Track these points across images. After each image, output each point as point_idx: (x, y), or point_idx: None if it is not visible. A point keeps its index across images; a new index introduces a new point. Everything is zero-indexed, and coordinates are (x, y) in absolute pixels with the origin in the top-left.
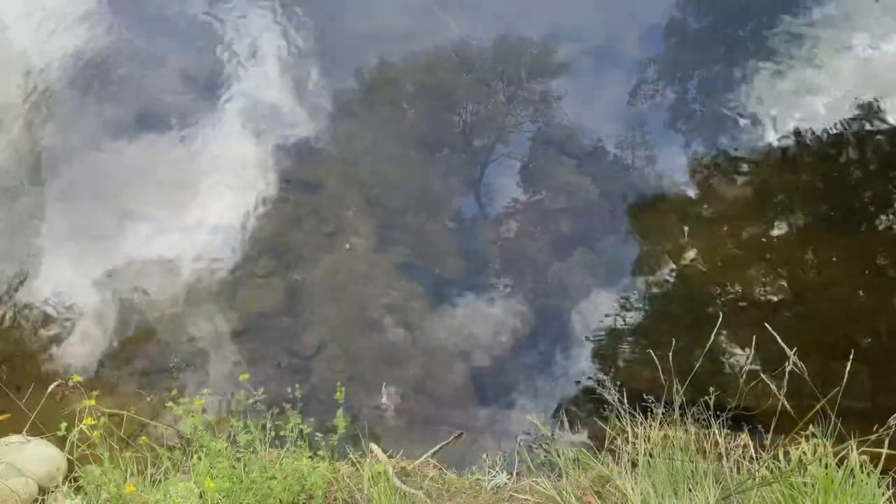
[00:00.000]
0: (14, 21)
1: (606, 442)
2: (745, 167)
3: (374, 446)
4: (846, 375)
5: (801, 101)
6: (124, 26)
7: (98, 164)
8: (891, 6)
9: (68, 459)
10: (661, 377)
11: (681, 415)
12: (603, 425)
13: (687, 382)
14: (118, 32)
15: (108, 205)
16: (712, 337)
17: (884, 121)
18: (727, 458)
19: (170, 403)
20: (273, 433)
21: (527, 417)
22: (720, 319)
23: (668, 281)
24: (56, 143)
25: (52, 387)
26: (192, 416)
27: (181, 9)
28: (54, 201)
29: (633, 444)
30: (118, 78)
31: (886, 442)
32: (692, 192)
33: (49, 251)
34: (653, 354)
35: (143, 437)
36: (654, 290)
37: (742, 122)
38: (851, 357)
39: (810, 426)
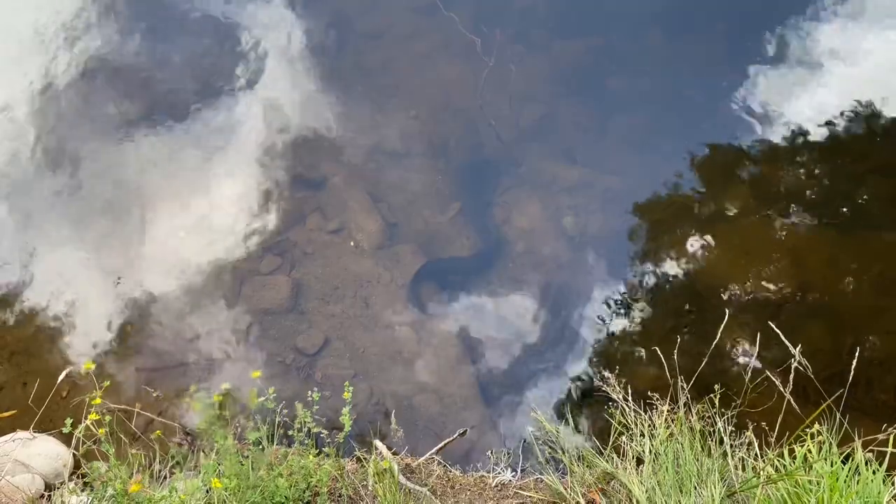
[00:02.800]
0: (20, 15)
1: (611, 439)
2: (748, 164)
3: (378, 443)
4: (851, 373)
5: (805, 97)
6: (131, 20)
7: (104, 160)
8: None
9: (74, 455)
10: (667, 375)
11: (686, 412)
12: (608, 423)
13: (692, 381)
14: (125, 26)
15: (113, 201)
16: (726, 338)
17: (889, 118)
18: (732, 455)
19: (188, 398)
20: (281, 430)
21: (531, 414)
22: (734, 323)
23: (672, 278)
24: (62, 138)
25: (62, 375)
26: (207, 412)
27: (188, 4)
28: (61, 197)
29: (638, 441)
30: (123, 73)
31: (892, 439)
32: (696, 189)
33: (55, 248)
34: (658, 352)
35: (158, 432)
36: (659, 287)
37: (746, 118)
38: (857, 355)
39: (816, 424)
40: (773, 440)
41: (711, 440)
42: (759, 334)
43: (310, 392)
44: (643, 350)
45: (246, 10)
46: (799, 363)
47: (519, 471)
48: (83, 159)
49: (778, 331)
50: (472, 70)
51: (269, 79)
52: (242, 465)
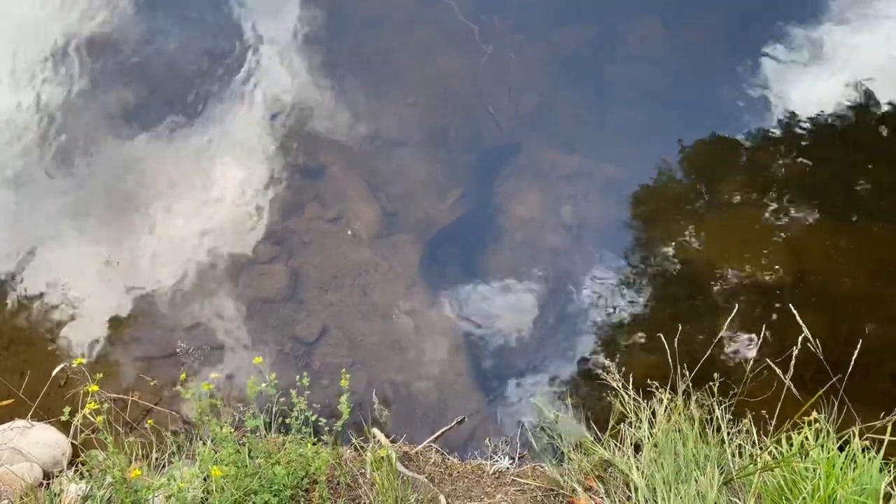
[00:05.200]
0: (21, 3)
1: (609, 427)
2: (747, 153)
3: (376, 431)
4: (852, 361)
5: (804, 86)
6: (126, 7)
7: (101, 150)
8: None
9: (73, 444)
10: (665, 362)
11: (684, 400)
12: (606, 410)
13: (692, 369)
14: (120, 14)
15: (112, 190)
16: (724, 327)
17: (886, 107)
18: (730, 443)
19: (178, 387)
20: (280, 419)
21: (530, 401)
22: (735, 310)
23: (671, 266)
24: (62, 127)
25: (56, 370)
26: (199, 401)
27: None
28: (59, 187)
29: (637, 428)
30: (119, 60)
31: (889, 428)
32: (695, 178)
33: (53, 236)
34: (657, 339)
35: (150, 421)
36: (658, 275)
37: (745, 107)
38: (859, 344)
39: (813, 412)
40: (770, 428)
41: (710, 428)
42: (757, 322)
43: (298, 377)
44: (641, 338)
45: None
46: (806, 346)
47: (517, 458)
48: (80, 149)
49: (795, 311)
50: (471, 58)
51: (267, 67)
52: (239, 453)
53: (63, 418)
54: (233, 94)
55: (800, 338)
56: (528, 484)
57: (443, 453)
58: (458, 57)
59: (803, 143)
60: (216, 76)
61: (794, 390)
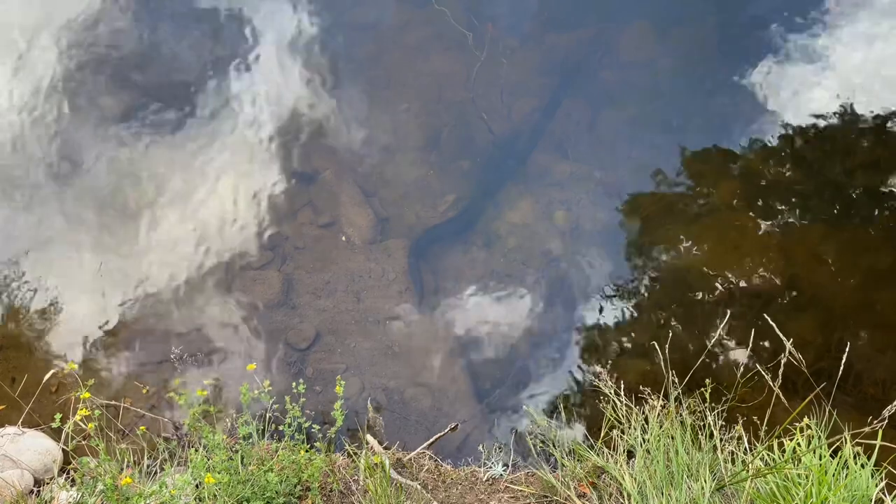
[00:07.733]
0: (18, 4)
1: (602, 433)
2: (739, 159)
3: (370, 438)
4: (841, 367)
5: (796, 94)
6: (121, 9)
7: (92, 154)
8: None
9: (64, 451)
10: (658, 369)
11: (676, 406)
12: (599, 417)
13: (684, 375)
14: (114, 16)
15: (106, 195)
16: (718, 332)
17: (877, 114)
18: (722, 449)
19: (171, 393)
20: (273, 426)
21: (523, 408)
22: (727, 316)
23: (663, 272)
24: (55, 132)
25: (48, 375)
26: (192, 407)
27: None
28: (53, 191)
29: (630, 435)
30: (112, 64)
31: (880, 433)
32: (687, 184)
33: (45, 241)
34: (649, 346)
35: (143, 428)
36: (650, 281)
37: (736, 114)
38: (846, 349)
39: (805, 418)
40: (762, 434)
41: (702, 434)
42: (749, 328)
43: (294, 384)
44: (634, 344)
45: (236, 1)
46: (790, 356)
47: (510, 465)
48: (72, 153)
49: (773, 323)
50: (464, 63)
51: (260, 72)
52: (232, 460)
53: (54, 425)
54: (225, 100)
55: (788, 343)
56: (521, 491)
57: (436, 460)
58: (452, 61)
59: (795, 150)
60: (208, 81)
61: (782, 397)
